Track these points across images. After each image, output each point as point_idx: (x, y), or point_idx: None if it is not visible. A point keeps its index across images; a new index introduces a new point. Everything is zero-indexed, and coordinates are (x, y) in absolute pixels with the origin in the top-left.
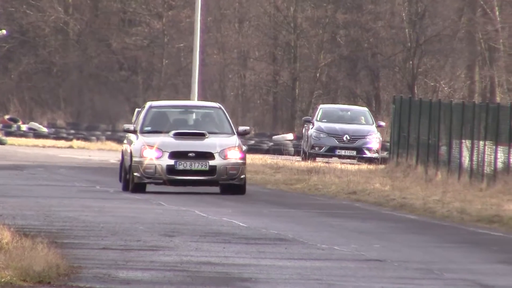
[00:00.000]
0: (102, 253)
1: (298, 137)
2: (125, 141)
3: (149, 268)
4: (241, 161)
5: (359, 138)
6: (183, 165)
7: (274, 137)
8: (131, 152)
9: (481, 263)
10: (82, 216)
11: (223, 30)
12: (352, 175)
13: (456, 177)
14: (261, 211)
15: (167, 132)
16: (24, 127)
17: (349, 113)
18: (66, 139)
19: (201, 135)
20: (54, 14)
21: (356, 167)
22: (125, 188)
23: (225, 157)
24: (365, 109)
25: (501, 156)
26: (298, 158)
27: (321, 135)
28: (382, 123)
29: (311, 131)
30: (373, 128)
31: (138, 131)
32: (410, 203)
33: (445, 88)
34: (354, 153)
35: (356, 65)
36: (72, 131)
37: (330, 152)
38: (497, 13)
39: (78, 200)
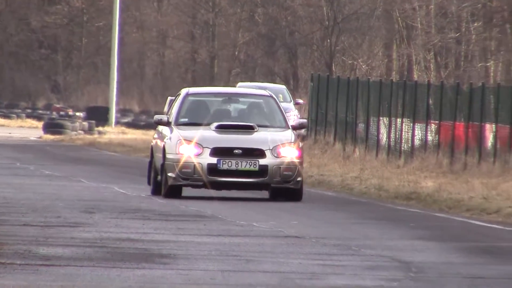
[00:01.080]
0: (23, 229)
1: None
2: (155, 135)
3: (69, 244)
4: (298, 160)
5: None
6: (227, 164)
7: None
8: (164, 148)
9: (398, 239)
10: (3, 193)
11: (142, 9)
12: None
13: (373, 154)
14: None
15: (208, 124)
16: None
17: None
18: None
19: (249, 128)
20: None
21: None
22: (156, 191)
23: (278, 155)
24: (283, 87)
25: (418, 134)
26: None
27: None
28: (300, 101)
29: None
30: (291, 105)
31: (172, 123)
32: (328, 180)
33: (363, 66)
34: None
35: (274, 43)
36: None
37: None
38: None
39: (1, 178)
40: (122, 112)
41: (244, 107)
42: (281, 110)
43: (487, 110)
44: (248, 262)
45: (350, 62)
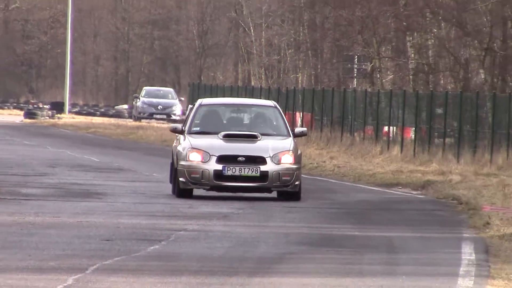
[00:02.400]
0: (10, 177)
1: (131, 107)
2: (175, 141)
3: (40, 187)
4: (295, 166)
5: (168, 108)
6: (231, 170)
7: (116, 107)
8: (177, 154)
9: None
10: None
11: (84, 41)
12: (163, 130)
13: None
14: (108, 152)
15: (217, 133)
16: None
17: (161, 92)
18: None
19: (252, 137)
20: None
21: (165, 125)
22: (174, 191)
23: (278, 162)
24: (171, 89)
25: None
26: (131, 120)
27: (144, 106)
28: (182, 98)
29: (139, 103)
30: (176, 101)
31: (186, 132)
32: None
33: (220, 77)
34: (164, 116)
35: (165, 62)
36: None
37: (150, 117)
38: (252, 30)
39: None
40: (72, 105)
41: (251, 117)
42: (283, 120)
43: (297, 103)
44: (151, 198)
45: (212, 74)
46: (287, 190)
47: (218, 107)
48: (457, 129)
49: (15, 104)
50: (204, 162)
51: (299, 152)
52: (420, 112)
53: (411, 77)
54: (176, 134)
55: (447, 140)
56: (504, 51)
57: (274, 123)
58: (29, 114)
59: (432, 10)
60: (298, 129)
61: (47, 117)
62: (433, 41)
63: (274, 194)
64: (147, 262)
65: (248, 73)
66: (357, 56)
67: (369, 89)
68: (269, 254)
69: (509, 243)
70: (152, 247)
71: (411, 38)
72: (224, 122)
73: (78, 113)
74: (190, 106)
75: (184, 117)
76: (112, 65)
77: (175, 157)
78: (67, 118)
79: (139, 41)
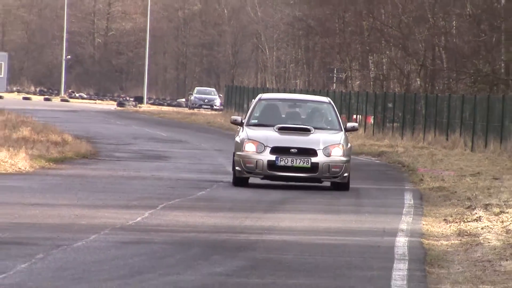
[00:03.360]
0: (107, 146)
1: (187, 100)
2: (236, 133)
3: (126, 152)
4: (344, 159)
5: (211, 101)
6: (284, 161)
7: (177, 100)
8: (235, 145)
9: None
10: (100, 130)
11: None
12: (208, 116)
13: None
14: (172, 129)
15: (273, 125)
16: (77, 95)
17: (207, 90)
18: (93, 100)
19: (305, 131)
20: None
21: (209, 112)
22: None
23: (328, 155)
24: (214, 89)
25: None
26: (187, 109)
27: (196, 99)
28: (220, 95)
29: (192, 98)
30: (217, 97)
31: (244, 123)
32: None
33: (246, 81)
34: (209, 107)
35: (210, 71)
36: (96, 97)
37: (199, 107)
38: (267, 51)
39: (98, 124)
40: (148, 98)
41: (306, 111)
42: (336, 115)
43: None
44: (200, 160)
45: (240, 79)
46: (336, 181)
47: (276, 101)
48: (402, 117)
49: (110, 97)
50: (258, 152)
51: (349, 145)
52: (377, 106)
53: (371, 83)
54: (237, 126)
55: (395, 124)
56: (433, 67)
57: (328, 118)
58: (120, 104)
59: (385, 39)
60: (349, 124)
61: (132, 106)
62: (386, 59)
63: (326, 183)
64: (197, 203)
65: (264, 79)
66: (336, 69)
67: (343, 91)
68: (277, 199)
69: (435, 193)
70: (200, 193)
71: (371, 57)
72: (281, 116)
73: (152, 104)
74: (253, 100)
75: (221, 108)
76: (175, 73)
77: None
78: (145, 107)
79: (193, 57)
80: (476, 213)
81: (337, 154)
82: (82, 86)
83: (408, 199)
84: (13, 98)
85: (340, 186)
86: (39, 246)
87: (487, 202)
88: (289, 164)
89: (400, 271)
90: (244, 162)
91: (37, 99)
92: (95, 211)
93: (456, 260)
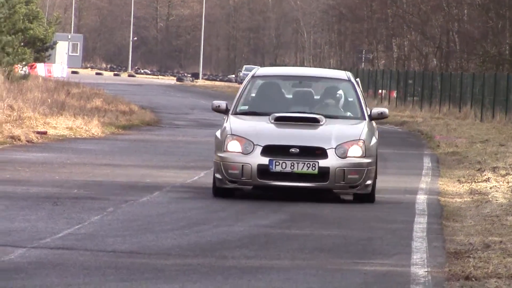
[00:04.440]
0: (168, 115)
1: (236, 76)
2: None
3: (185, 120)
4: (367, 161)
5: None
6: (281, 165)
7: (228, 76)
8: (215, 142)
9: None
10: (162, 101)
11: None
12: None
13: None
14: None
15: (268, 114)
16: (142, 71)
17: (254, 68)
18: (156, 75)
19: (313, 121)
20: None
21: None
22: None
23: (343, 155)
24: (259, 67)
25: None
26: (236, 83)
27: (244, 75)
28: None
29: (240, 74)
30: None
31: (230, 111)
32: None
33: (287, 60)
34: None
35: (256, 52)
36: (159, 73)
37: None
38: (305, 34)
39: (160, 96)
40: (203, 75)
41: (317, 93)
42: (358, 97)
43: None
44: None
45: (282, 59)
46: (355, 192)
47: (276, 79)
48: (420, 92)
49: (170, 73)
50: (245, 153)
51: (373, 141)
52: (399, 82)
53: (395, 62)
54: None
55: (415, 98)
56: (447, 49)
57: (347, 101)
58: (179, 79)
59: (407, 25)
60: (376, 110)
61: (189, 81)
62: (407, 42)
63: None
64: None
65: (303, 58)
66: (364, 50)
67: (370, 69)
68: None
69: (450, 157)
70: None
71: (395, 40)
72: (282, 99)
73: (207, 79)
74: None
75: None
76: (226, 53)
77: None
78: (200, 82)
79: (241, 39)
80: (485, 175)
81: (356, 155)
82: (146, 64)
83: (427, 162)
84: (87, 74)
85: (363, 197)
86: (110, 201)
87: (495, 165)
88: (288, 169)
89: (420, 224)
90: (225, 167)
91: (108, 74)
92: (158, 171)
93: (469, 215)
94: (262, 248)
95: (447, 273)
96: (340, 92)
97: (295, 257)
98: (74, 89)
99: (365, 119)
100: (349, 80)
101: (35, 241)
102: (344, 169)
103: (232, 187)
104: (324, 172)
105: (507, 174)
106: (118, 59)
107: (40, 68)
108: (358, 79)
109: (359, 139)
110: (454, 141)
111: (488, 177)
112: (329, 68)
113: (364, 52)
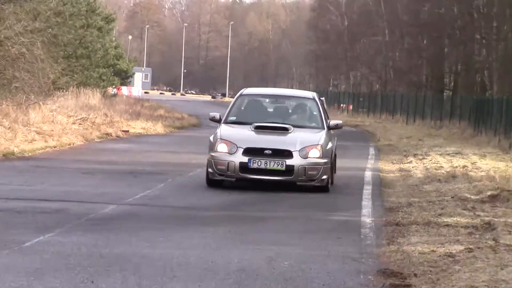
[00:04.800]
0: (206, 120)
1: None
2: None
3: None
4: (323, 161)
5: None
6: (257, 163)
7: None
8: (209, 144)
9: None
10: (202, 111)
11: None
12: None
13: None
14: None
15: (250, 124)
16: (189, 92)
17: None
18: (198, 94)
19: (283, 130)
20: None
21: None
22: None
23: (305, 156)
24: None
25: None
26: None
27: None
28: None
29: None
30: None
31: (222, 121)
32: None
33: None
34: None
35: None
36: (200, 93)
37: None
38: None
39: (201, 107)
40: (229, 94)
41: (289, 108)
42: (321, 111)
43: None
44: None
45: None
46: (313, 184)
47: (259, 97)
48: (367, 106)
49: (207, 93)
50: (230, 153)
51: (329, 145)
52: (354, 99)
53: (351, 87)
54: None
55: (364, 109)
56: (385, 78)
57: (312, 115)
58: (213, 97)
59: (360, 62)
60: (333, 122)
61: (219, 98)
62: (359, 73)
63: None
64: None
65: (292, 84)
66: (332, 79)
67: (336, 91)
68: None
69: (386, 147)
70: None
71: (352, 72)
72: (262, 112)
73: (231, 97)
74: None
75: None
76: (243, 79)
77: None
78: (226, 98)
79: (253, 71)
80: (409, 159)
81: (315, 156)
82: (192, 87)
83: (371, 150)
84: (154, 94)
85: (320, 189)
86: (168, 174)
87: (415, 153)
88: (263, 166)
89: (367, 190)
90: (215, 163)
91: (167, 94)
92: (199, 155)
93: (398, 185)
94: (265, 205)
95: (384, 221)
96: (307, 107)
97: (287, 211)
98: (146, 103)
99: (325, 129)
100: (314, 99)
101: (121, 200)
102: (305, 167)
103: (220, 179)
104: (290, 169)
105: (423, 158)
106: (174, 84)
107: (124, 90)
108: (323, 98)
109: (318, 144)
110: (389, 137)
111: (411, 160)
112: (309, 90)
113: (332, 80)
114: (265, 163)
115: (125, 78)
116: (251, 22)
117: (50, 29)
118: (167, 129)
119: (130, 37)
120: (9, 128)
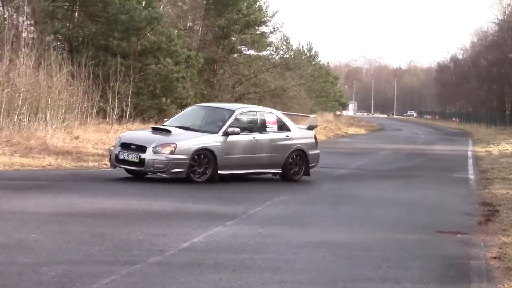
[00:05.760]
0: (386, 126)
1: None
2: None
3: (392, 129)
4: (173, 157)
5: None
6: (124, 155)
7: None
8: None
9: None
10: (381, 122)
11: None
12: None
13: None
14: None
15: (180, 127)
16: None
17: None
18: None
19: (167, 131)
20: None
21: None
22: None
23: (157, 152)
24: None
25: None
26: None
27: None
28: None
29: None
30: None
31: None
32: None
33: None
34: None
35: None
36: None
37: None
38: None
39: (381, 120)
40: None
41: (207, 116)
42: (225, 122)
43: None
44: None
45: None
46: (163, 176)
47: (199, 107)
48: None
49: (392, 114)
50: (114, 147)
51: (186, 146)
52: None
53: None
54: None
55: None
56: None
57: (216, 123)
58: (387, 115)
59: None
60: (230, 129)
61: (391, 116)
62: None
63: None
64: None
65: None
66: None
67: None
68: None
69: (478, 140)
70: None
71: None
72: (185, 119)
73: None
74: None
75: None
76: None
77: None
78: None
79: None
80: (490, 146)
81: (166, 153)
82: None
83: (470, 141)
84: (361, 115)
85: (172, 179)
86: (371, 153)
87: (493, 142)
88: (126, 158)
89: (470, 160)
90: (111, 154)
91: (365, 114)
92: (385, 145)
93: (486, 158)
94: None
95: (480, 177)
96: (224, 117)
97: (430, 172)
98: (355, 121)
99: (215, 134)
100: (234, 111)
101: (348, 166)
102: (154, 160)
103: (111, 165)
104: (141, 161)
105: (497, 145)
106: (364, 106)
107: (345, 113)
108: (239, 110)
109: (172, 144)
110: (478, 135)
111: (491, 146)
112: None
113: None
114: (127, 155)
115: (345, 105)
116: None
117: (307, 84)
118: (366, 131)
119: (346, 87)
120: None
